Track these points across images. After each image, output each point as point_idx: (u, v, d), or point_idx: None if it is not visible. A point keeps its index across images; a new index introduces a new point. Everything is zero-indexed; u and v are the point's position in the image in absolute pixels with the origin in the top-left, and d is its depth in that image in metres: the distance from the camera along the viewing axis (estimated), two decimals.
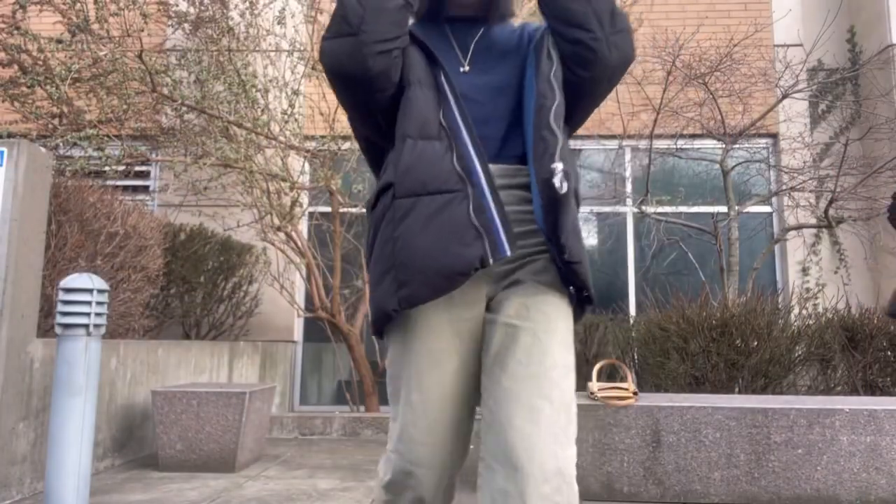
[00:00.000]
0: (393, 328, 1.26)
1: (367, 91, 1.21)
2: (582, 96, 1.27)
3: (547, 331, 1.19)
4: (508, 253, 1.15)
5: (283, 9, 5.29)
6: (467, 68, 1.33)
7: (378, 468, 1.28)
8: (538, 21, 1.43)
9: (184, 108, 5.36)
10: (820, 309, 4.66)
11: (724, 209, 5.62)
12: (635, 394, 3.00)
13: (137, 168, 6.28)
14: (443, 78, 1.25)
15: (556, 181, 1.12)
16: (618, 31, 1.22)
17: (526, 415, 1.12)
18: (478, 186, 1.18)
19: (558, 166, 1.13)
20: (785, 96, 5.47)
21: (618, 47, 1.22)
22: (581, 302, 1.28)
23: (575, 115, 1.28)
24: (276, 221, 5.48)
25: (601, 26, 1.21)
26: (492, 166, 1.23)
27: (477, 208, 1.16)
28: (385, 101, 1.24)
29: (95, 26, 5.03)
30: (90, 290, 2.45)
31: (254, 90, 5.15)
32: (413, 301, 1.16)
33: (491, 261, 1.14)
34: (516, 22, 1.46)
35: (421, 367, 1.20)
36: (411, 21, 1.37)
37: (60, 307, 2.42)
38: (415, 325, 1.22)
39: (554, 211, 1.15)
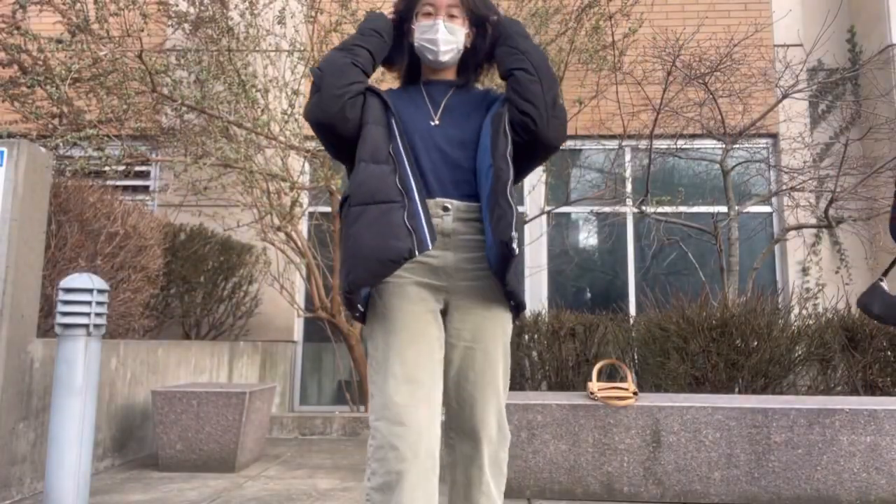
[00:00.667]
0: (377, 316, 1.57)
1: (331, 129, 1.60)
2: (522, 157, 1.63)
3: (494, 347, 1.61)
4: (430, 247, 1.52)
5: (283, 9, 5.28)
6: (437, 122, 1.67)
7: (366, 476, 1.51)
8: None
9: (184, 108, 5.35)
10: (820, 309, 4.66)
11: (724, 209, 5.62)
12: (635, 394, 3.00)
13: (137, 168, 6.28)
14: (393, 120, 1.61)
15: (514, 246, 1.49)
16: (556, 116, 1.62)
17: (483, 407, 1.60)
18: (412, 200, 1.53)
19: (514, 235, 1.49)
20: (785, 96, 5.47)
21: (554, 128, 1.62)
22: (516, 308, 1.66)
23: (518, 171, 1.62)
24: (276, 221, 5.48)
25: (546, 108, 1.60)
26: (456, 202, 1.60)
27: (410, 214, 1.51)
28: (348, 136, 1.61)
29: (95, 26, 5.02)
30: (90, 290, 2.45)
31: (254, 90, 5.15)
32: (357, 283, 1.51)
33: (417, 252, 1.49)
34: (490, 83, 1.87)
35: (403, 344, 1.51)
36: (395, 86, 1.82)
37: (60, 307, 2.42)
38: (396, 313, 1.54)
39: (505, 262, 1.53)
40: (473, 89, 1.79)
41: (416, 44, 1.70)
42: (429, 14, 1.68)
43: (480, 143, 1.61)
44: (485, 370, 1.60)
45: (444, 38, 1.67)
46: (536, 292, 6.37)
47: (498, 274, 1.55)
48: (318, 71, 1.61)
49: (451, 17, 1.68)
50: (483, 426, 1.58)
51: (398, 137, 1.59)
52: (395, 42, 1.75)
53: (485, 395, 1.59)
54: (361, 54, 1.64)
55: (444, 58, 1.69)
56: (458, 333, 1.61)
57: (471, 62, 1.76)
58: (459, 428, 1.61)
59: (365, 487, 1.48)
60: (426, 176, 1.60)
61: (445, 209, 1.59)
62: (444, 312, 1.62)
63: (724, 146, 5.55)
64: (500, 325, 1.63)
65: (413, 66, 1.77)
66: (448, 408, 1.62)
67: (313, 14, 5.31)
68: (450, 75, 1.76)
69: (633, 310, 6.21)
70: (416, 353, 1.50)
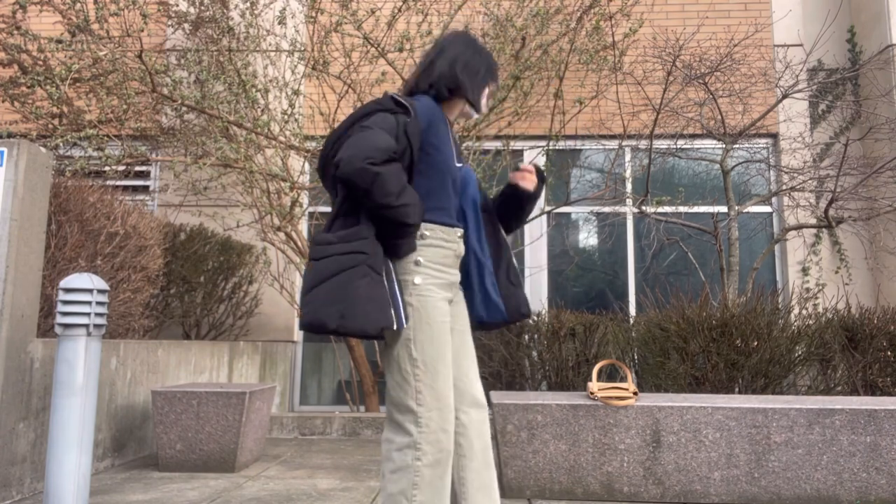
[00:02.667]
0: (421, 324, 1.82)
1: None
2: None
3: (469, 330, 2.06)
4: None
5: (284, 9, 5.28)
6: (459, 165, 2.01)
7: (410, 457, 1.76)
8: None
9: (184, 108, 5.36)
10: (820, 309, 4.66)
11: (724, 209, 5.62)
12: (635, 394, 3.00)
13: (137, 168, 6.28)
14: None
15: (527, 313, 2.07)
16: (516, 229, 2.17)
17: (476, 377, 2.03)
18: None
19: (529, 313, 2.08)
20: (785, 96, 5.47)
21: (513, 232, 2.28)
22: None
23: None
24: (276, 221, 5.48)
25: (518, 224, 2.14)
26: (459, 230, 1.97)
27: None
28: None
29: (95, 26, 5.03)
30: (90, 290, 2.45)
31: (254, 90, 5.15)
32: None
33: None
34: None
35: (445, 351, 1.84)
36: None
37: (60, 307, 2.42)
38: (438, 325, 1.84)
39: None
40: None
41: (478, 101, 2.02)
42: (490, 87, 2.07)
43: (471, 196, 2.04)
44: (470, 349, 2.03)
45: (485, 109, 2.11)
46: (536, 292, 6.38)
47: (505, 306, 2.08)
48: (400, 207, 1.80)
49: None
50: (482, 395, 2.01)
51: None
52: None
53: (474, 368, 2.02)
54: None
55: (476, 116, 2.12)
56: (453, 322, 2.02)
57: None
58: (470, 401, 1.97)
59: (414, 466, 1.74)
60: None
61: (460, 236, 1.98)
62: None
63: (724, 146, 5.56)
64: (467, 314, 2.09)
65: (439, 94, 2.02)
66: (456, 385, 1.97)
67: (313, 14, 5.32)
68: (455, 120, 2.13)
69: (633, 310, 6.21)
70: (449, 358, 1.85)
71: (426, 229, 1.86)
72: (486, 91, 2.05)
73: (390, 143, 1.73)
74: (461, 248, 1.96)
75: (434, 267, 1.86)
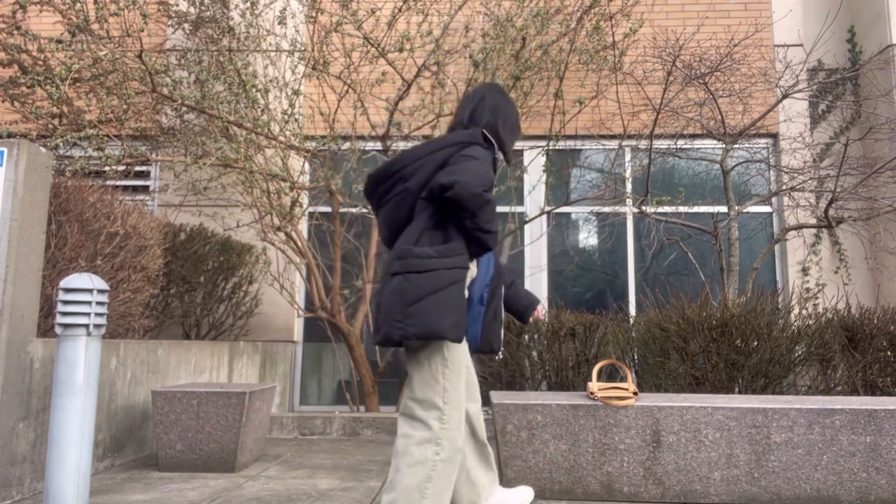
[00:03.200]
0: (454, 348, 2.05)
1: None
2: None
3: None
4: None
5: (284, 9, 5.28)
6: None
7: (430, 451, 1.92)
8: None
9: (184, 108, 5.36)
10: (820, 309, 4.66)
11: (724, 209, 5.62)
12: (635, 394, 3.00)
13: (137, 168, 6.28)
14: None
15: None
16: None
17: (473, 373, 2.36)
18: None
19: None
20: (785, 96, 5.47)
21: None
22: None
23: None
24: (276, 221, 5.48)
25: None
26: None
27: None
28: None
29: (95, 26, 5.03)
30: (90, 290, 2.45)
31: (254, 90, 5.15)
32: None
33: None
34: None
35: (465, 355, 2.22)
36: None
37: (60, 307, 2.42)
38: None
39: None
40: None
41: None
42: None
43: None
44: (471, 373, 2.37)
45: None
46: (536, 292, 6.38)
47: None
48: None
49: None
50: (477, 389, 2.37)
51: None
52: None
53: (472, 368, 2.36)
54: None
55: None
56: None
57: None
58: (471, 396, 2.33)
59: (433, 461, 1.90)
60: None
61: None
62: None
63: (724, 146, 5.56)
64: None
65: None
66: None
67: (314, 14, 5.32)
68: None
69: (633, 310, 6.21)
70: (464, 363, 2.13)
71: None
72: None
73: (492, 176, 2.00)
74: (474, 271, 2.20)
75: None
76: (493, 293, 2.16)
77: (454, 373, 1.97)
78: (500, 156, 2.24)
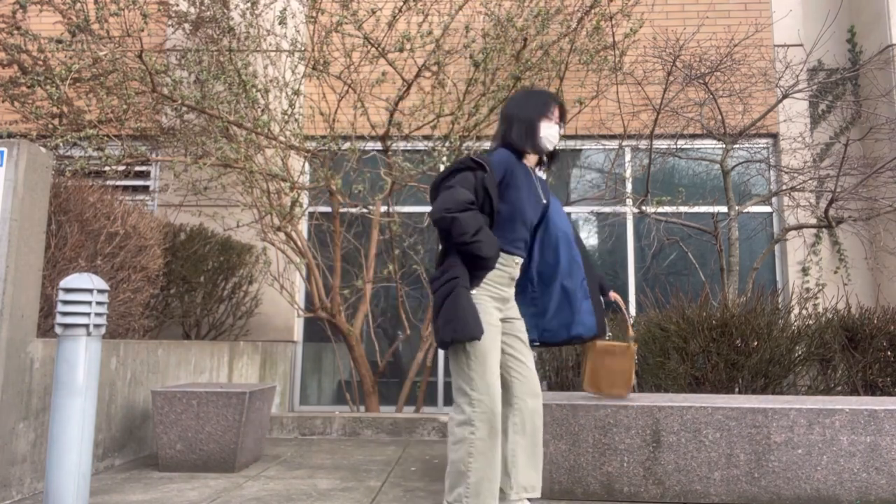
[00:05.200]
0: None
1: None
2: None
3: (526, 337, 2.51)
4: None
5: (284, 9, 5.28)
6: (545, 202, 2.55)
7: (466, 432, 2.22)
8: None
9: (184, 108, 5.36)
10: (820, 309, 4.66)
11: (724, 209, 5.62)
12: (635, 342, 2.92)
13: (137, 168, 6.28)
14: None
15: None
16: None
17: (532, 372, 2.48)
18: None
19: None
20: (785, 96, 5.47)
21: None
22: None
23: None
24: (276, 221, 5.48)
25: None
26: (518, 258, 2.46)
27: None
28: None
29: (95, 26, 5.03)
30: (90, 290, 2.45)
31: (254, 90, 5.15)
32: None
33: None
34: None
35: (493, 346, 2.30)
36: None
37: (60, 307, 2.42)
38: (492, 328, 2.32)
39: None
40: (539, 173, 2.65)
41: (534, 145, 2.47)
42: (549, 118, 2.48)
43: (560, 229, 2.53)
44: (528, 349, 2.47)
45: (557, 136, 2.52)
46: None
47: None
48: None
49: (558, 124, 2.52)
50: (538, 387, 2.45)
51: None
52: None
53: (532, 365, 2.47)
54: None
55: (552, 148, 2.54)
56: (509, 327, 2.46)
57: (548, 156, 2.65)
58: (528, 391, 2.42)
59: (469, 439, 2.20)
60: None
61: (517, 263, 2.45)
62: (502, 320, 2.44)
63: (724, 146, 5.56)
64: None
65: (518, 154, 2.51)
66: (515, 378, 2.43)
67: (314, 14, 5.31)
68: (534, 163, 2.57)
69: (633, 310, 6.21)
70: (496, 353, 2.30)
71: None
72: (548, 123, 2.47)
73: (467, 196, 2.23)
74: (516, 273, 2.43)
75: (490, 283, 2.33)
76: (591, 281, 2.52)
77: (480, 364, 2.23)
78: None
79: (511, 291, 2.45)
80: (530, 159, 2.53)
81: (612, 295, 2.76)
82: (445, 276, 2.25)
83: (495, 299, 2.36)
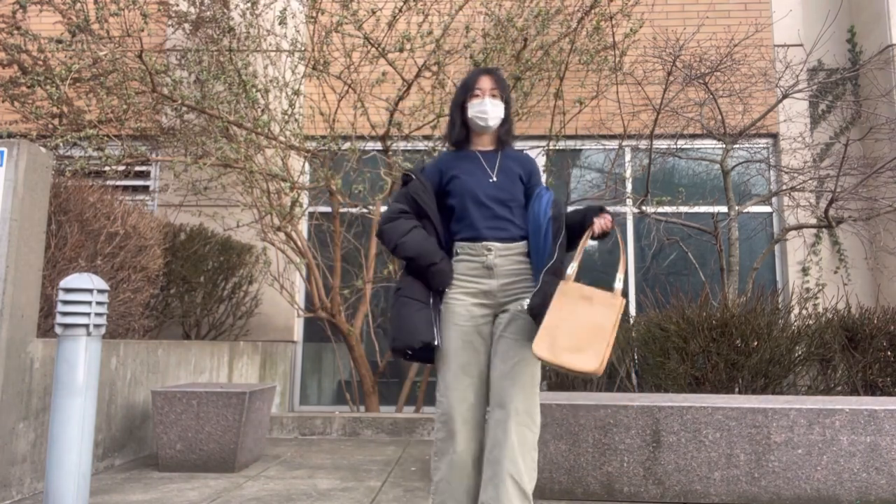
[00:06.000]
0: (447, 324, 2.24)
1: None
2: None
3: (523, 337, 2.17)
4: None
5: (284, 9, 5.28)
6: (494, 179, 2.31)
7: (434, 435, 2.22)
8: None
9: (184, 108, 5.35)
10: (820, 309, 4.66)
11: (724, 209, 5.62)
12: (624, 295, 2.16)
13: (137, 168, 6.28)
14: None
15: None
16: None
17: (508, 383, 2.19)
18: None
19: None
20: (785, 96, 5.47)
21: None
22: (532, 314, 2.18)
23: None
24: (276, 221, 5.48)
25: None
26: (483, 242, 2.25)
27: None
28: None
29: (95, 26, 5.03)
30: (90, 290, 2.45)
31: (254, 90, 5.15)
32: None
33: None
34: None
35: (459, 346, 2.22)
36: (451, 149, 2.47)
37: (60, 307, 2.42)
38: (460, 328, 2.23)
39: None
40: (510, 150, 2.44)
41: (470, 116, 2.33)
42: (476, 95, 2.32)
43: (539, 212, 2.27)
44: (512, 355, 2.17)
45: (491, 109, 2.32)
46: None
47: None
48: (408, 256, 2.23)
49: (493, 96, 2.33)
50: (508, 398, 2.14)
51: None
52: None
53: (510, 374, 2.16)
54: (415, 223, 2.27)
55: (492, 122, 2.32)
56: (500, 325, 2.22)
57: (502, 130, 2.40)
58: (495, 402, 2.18)
59: (435, 438, 2.21)
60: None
61: (488, 249, 2.24)
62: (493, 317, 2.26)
63: (724, 146, 5.55)
64: (528, 326, 2.19)
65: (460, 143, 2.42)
66: (491, 384, 2.22)
67: (314, 14, 5.31)
68: (490, 144, 2.40)
69: (633, 310, 6.21)
70: (461, 354, 2.20)
71: (457, 247, 2.26)
72: (474, 101, 2.33)
73: (394, 208, 2.26)
74: (490, 260, 2.23)
75: (462, 278, 2.23)
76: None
77: (443, 364, 2.23)
78: (419, 178, 2.35)
79: (491, 283, 2.22)
80: (483, 141, 2.39)
81: (603, 223, 2.32)
82: (396, 289, 2.27)
83: (472, 294, 2.22)
